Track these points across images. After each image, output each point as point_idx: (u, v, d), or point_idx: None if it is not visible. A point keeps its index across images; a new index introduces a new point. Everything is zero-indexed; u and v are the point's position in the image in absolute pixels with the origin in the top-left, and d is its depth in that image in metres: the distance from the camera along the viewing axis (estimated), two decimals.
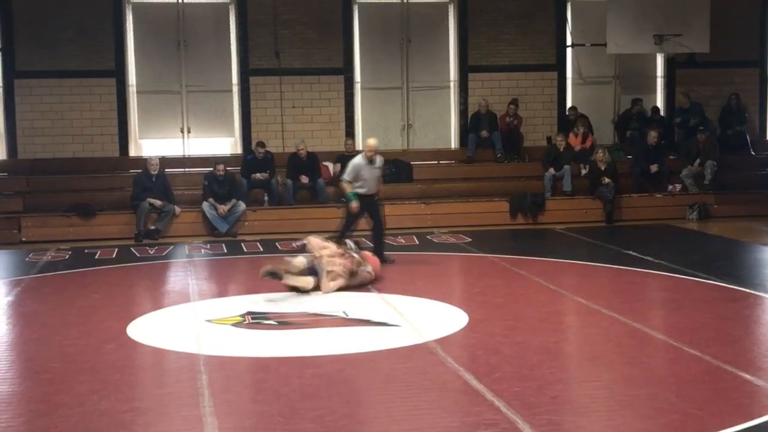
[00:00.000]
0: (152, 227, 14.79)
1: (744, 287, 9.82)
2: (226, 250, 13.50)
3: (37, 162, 16.80)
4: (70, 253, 13.42)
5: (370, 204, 11.59)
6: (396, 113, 18.28)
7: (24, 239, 14.77)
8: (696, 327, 8.13)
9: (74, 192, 15.75)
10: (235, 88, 17.65)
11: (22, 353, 7.88)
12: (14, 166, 16.91)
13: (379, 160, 11.70)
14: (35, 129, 17.01)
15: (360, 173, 11.47)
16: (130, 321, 8.63)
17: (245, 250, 13.58)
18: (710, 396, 6.17)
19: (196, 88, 17.51)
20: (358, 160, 11.60)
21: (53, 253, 13.37)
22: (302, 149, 16.10)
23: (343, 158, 16.37)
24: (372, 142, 11.63)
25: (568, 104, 18.47)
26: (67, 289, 10.69)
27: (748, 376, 6.55)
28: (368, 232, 12.03)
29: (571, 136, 17.30)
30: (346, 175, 11.57)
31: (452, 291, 10.34)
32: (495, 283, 10.44)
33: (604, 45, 17.37)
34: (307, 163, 16.17)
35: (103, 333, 8.22)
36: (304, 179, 15.98)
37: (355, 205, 11.36)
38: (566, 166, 16.53)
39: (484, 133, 17.53)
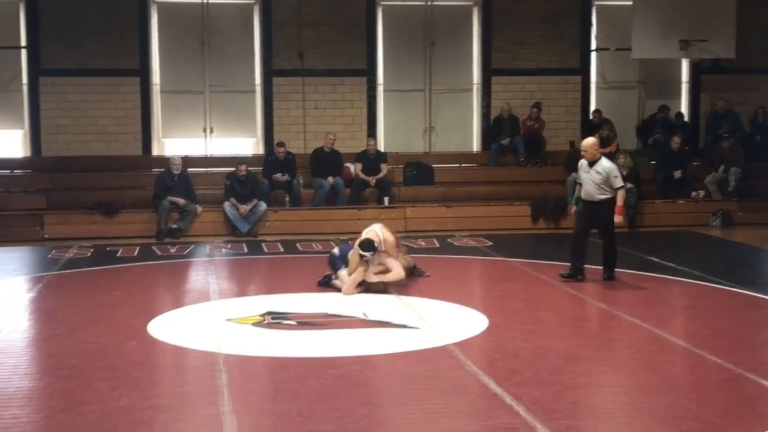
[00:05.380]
0: (174, 226, 14.85)
1: (767, 295, 9.73)
2: (246, 250, 13.53)
3: (61, 159, 16.88)
4: (92, 250, 13.49)
5: (594, 212, 10.38)
6: (418, 115, 18.26)
7: (47, 236, 14.86)
8: (718, 334, 8.08)
9: (97, 190, 15.83)
10: (258, 89, 17.69)
11: (43, 349, 7.93)
12: (38, 163, 17.02)
13: (601, 167, 10.26)
14: (59, 127, 17.11)
15: (580, 174, 10.52)
16: (151, 319, 8.66)
17: (266, 250, 13.60)
18: (731, 404, 6.12)
19: (220, 88, 17.56)
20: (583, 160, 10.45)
21: (75, 251, 13.45)
22: (332, 139, 16.18)
23: (365, 158, 16.44)
24: (584, 142, 10.56)
25: (592, 109, 18.38)
26: (89, 286, 10.74)
27: None
28: None
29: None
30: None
31: (472, 294, 10.31)
32: (515, 287, 10.40)
33: (629, 49, 17.28)
34: (332, 156, 16.21)
35: (123, 330, 8.26)
36: (331, 180, 15.98)
37: (570, 208, 10.83)
38: None
39: (506, 141, 17.50)
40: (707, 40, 17.06)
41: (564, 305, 9.46)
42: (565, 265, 10.67)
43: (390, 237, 10.07)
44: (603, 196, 10.30)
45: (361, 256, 9.79)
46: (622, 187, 10.32)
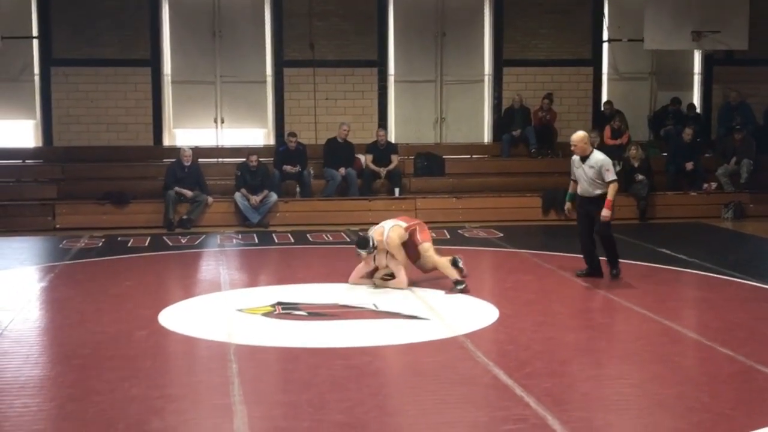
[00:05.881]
0: (185, 216, 14.88)
1: None
2: (257, 241, 13.55)
3: (72, 150, 16.92)
4: (103, 240, 13.52)
5: (593, 206, 9.94)
6: (429, 106, 18.24)
7: (58, 226, 14.91)
8: (729, 327, 8.05)
9: (108, 180, 15.88)
10: (269, 80, 17.68)
11: (54, 339, 7.96)
12: (49, 153, 17.06)
13: (594, 160, 9.87)
14: (71, 117, 17.15)
15: (573, 170, 10.19)
16: (162, 309, 8.68)
17: (276, 240, 13.62)
18: (742, 396, 6.10)
19: (231, 78, 17.57)
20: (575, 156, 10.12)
21: (86, 240, 13.49)
22: (346, 130, 16.20)
23: (375, 149, 16.43)
24: (574, 136, 10.05)
25: (603, 100, 18.32)
26: (100, 276, 10.77)
27: None
28: None
29: (606, 131, 17.18)
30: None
31: (483, 286, 10.29)
32: (526, 278, 10.39)
33: (641, 41, 17.22)
34: (345, 147, 16.21)
35: (134, 320, 8.28)
36: (342, 171, 15.97)
37: (566, 206, 10.46)
38: None
39: (517, 132, 17.46)
40: (720, 32, 16.98)
41: (575, 297, 9.44)
42: (577, 257, 10.63)
43: (396, 239, 9.60)
44: (600, 191, 9.88)
45: (357, 253, 9.71)
46: (614, 180, 9.87)
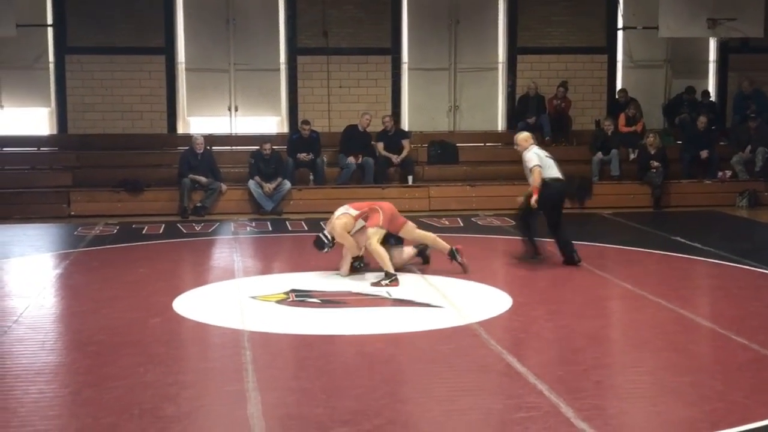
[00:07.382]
0: (199, 204, 14.92)
1: None
2: (271, 228, 13.58)
3: (87, 137, 16.99)
4: (117, 227, 13.58)
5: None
6: (443, 94, 18.21)
7: (73, 213, 14.97)
8: (743, 315, 8.02)
9: (123, 168, 15.92)
10: (283, 67, 17.69)
11: (69, 325, 8.00)
12: (64, 141, 17.13)
13: (526, 157, 10.26)
14: (85, 105, 17.20)
15: None
16: (176, 296, 8.71)
17: (290, 228, 13.64)
18: (756, 384, 6.08)
19: (244, 66, 17.58)
20: None
21: (101, 228, 13.54)
22: (368, 119, 16.16)
23: (384, 136, 16.40)
24: (517, 137, 10.57)
25: (618, 88, 18.26)
26: (115, 263, 10.82)
27: None
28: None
29: (621, 119, 17.12)
30: None
31: (496, 274, 10.30)
32: (539, 267, 10.37)
33: (656, 28, 17.12)
34: (362, 135, 16.20)
35: (149, 307, 8.32)
36: (352, 160, 15.95)
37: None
38: (614, 150, 16.37)
39: (532, 120, 17.39)
40: (735, 19, 16.87)
41: (588, 285, 9.42)
42: (589, 246, 10.61)
43: (338, 227, 9.58)
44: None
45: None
46: (535, 165, 10.05)
